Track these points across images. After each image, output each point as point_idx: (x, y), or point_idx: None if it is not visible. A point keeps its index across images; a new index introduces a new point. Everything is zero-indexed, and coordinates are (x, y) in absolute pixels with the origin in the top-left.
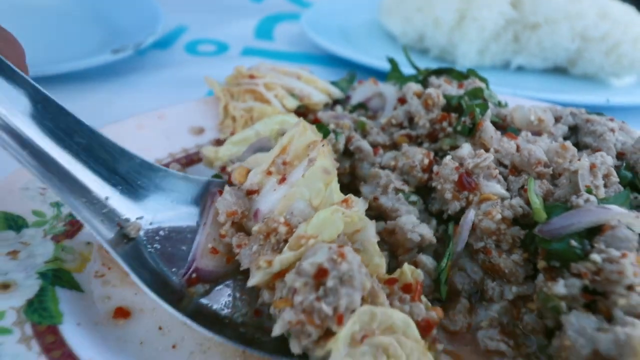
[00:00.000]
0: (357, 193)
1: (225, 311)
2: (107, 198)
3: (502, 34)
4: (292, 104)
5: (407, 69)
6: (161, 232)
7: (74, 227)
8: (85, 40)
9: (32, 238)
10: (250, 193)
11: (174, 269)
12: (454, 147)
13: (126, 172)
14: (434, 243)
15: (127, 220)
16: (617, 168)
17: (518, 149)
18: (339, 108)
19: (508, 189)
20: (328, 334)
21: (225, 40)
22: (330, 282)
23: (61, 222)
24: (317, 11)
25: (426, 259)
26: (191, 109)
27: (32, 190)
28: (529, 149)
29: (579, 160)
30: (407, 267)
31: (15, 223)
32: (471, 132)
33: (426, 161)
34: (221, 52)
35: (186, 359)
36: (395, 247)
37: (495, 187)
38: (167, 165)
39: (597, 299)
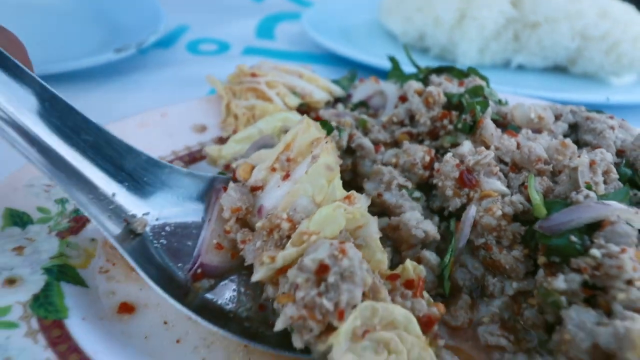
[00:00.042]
0: (359, 190)
1: (230, 306)
2: (114, 194)
3: (502, 32)
4: (294, 102)
5: (408, 68)
6: (167, 228)
7: (78, 223)
8: (88, 39)
9: (37, 234)
10: (254, 189)
11: (179, 264)
12: (455, 145)
13: (132, 168)
14: (437, 239)
15: (134, 216)
16: (616, 165)
17: (518, 146)
18: (340, 106)
19: (508, 186)
20: (330, 328)
21: (226, 40)
22: (331, 278)
23: (66, 219)
24: (317, 11)
25: (430, 255)
26: (194, 107)
27: (36, 187)
28: (529, 146)
29: (579, 157)
30: (409, 263)
31: (20, 219)
32: (472, 130)
33: (427, 158)
34: (222, 51)
35: (190, 353)
36: (399, 243)
37: (495, 184)
38: (170, 162)
39: (596, 293)
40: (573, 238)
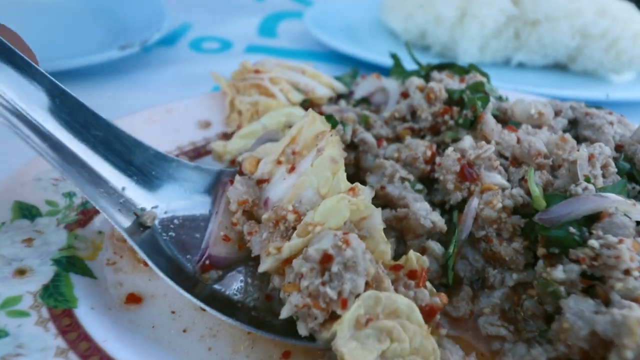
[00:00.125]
0: (362, 184)
1: (238, 296)
2: (123, 188)
3: (502, 30)
4: (297, 97)
5: (409, 65)
6: (175, 221)
7: (85, 216)
8: (92, 37)
9: (46, 227)
10: (260, 182)
11: (188, 256)
12: (456, 140)
13: (141, 163)
14: (444, 231)
15: (143, 209)
16: (615, 159)
17: (518, 141)
18: (342, 102)
19: (509, 180)
20: (333, 317)
21: (229, 38)
22: (334, 268)
23: (73, 212)
24: (319, 9)
25: (434, 245)
26: (198, 103)
27: (45, 181)
28: (529, 141)
29: (578, 151)
30: (412, 253)
31: (29, 212)
32: (472, 125)
33: (429, 153)
34: (225, 49)
35: (197, 342)
36: (404, 233)
37: (496, 178)
38: None
39: (595, 283)
40: (572, 229)
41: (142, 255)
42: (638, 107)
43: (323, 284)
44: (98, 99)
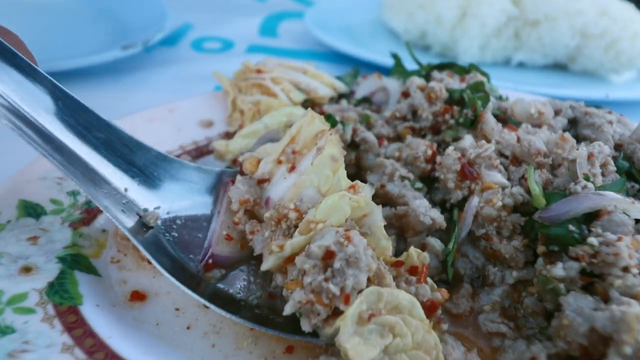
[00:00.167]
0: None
1: (241, 294)
2: (126, 189)
3: (503, 30)
4: (299, 97)
5: (410, 65)
6: (178, 221)
7: (89, 215)
8: (95, 38)
9: (51, 225)
10: (261, 182)
11: (190, 256)
12: (457, 139)
13: (143, 164)
14: (443, 228)
15: (146, 210)
16: (614, 158)
17: (518, 140)
18: (344, 102)
19: (509, 179)
20: (336, 313)
21: (230, 38)
22: (337, 264)
23: (78, 210)
24: (320, 9)
25: (434, 241)
26: (200, 102)
27: (49, 179)
28: (529, 140)
29: (577, 150)
30: (413, 250)
31: (34, 211)
32: (473, 124)
33: (429, 152)
34: (226, 49)
35: (200, 339)
36: (404, 230)
37: (496, 177)
38: (178, 157)
39: (594, 280)
40: (571, 227)
41: (146, 254)
42: (637, 106)
43: (326, 280)
44: (100, 99)
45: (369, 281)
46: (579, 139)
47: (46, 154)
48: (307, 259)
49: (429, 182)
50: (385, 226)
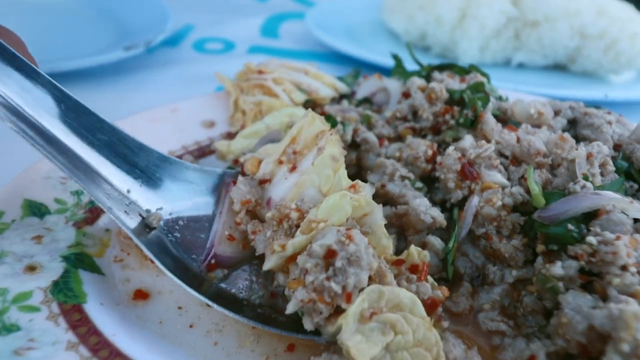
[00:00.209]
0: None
1: (243, 294)
2: (128, 191)
3: (502, 31)
4: (300, 98)
5: (410, 66)
6: (180, 222)
7: (93, 214)
8: (97, 38)
9: (55, 224)
10: (262, 182)
11: (193, 256)
12: (457, 139)
13: (145, 165)
14: (443, 226)
15: (148, 211)
16: (613, 158)
17: (518, 140)
18: (345, 102)
19: (509, 178)
20: (338, 311)
21: (231, 39)
22: (338, 263)
23: (81, 210)
24: (321, 10)
25: (434, 240)
26: (203, 103)
27: (53, 179)
28: (528, 140)
29: (577, 150)
30: (414, 248)
31: (38, 210)
32: (473, 125)
33: (430, 152)
34: (228, 50)
35: (203, 337)
36: (405, 228)
37: (496, 176)
38: (180, 157)
39: (593, 279)
40: (570, 226)
41: (150, 255)
42: (637, 106)
43: (327, 278)
44: (102, 100)
45: (370, 280)
46: (578, 139)
47: (49, 155)
48: (309, 258)
49: (429, 182)
50: (385, 225)
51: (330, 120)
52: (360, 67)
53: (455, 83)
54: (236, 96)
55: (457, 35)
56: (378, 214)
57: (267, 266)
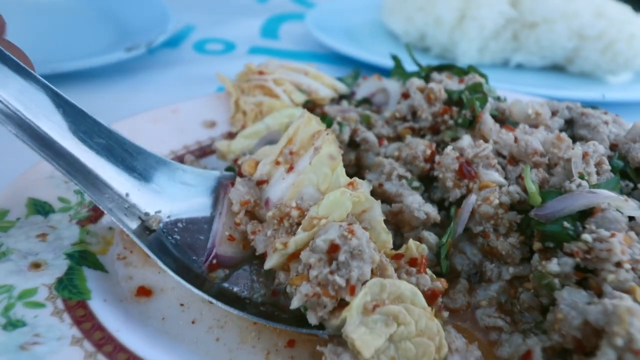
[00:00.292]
0: None
1: (245, 293)
2: (127, 194)
3: (501, 32)
4: (300, 98)
5: (410, 66)
6: (179, 224)
7: (96, 213)
8: (98, 39)
9: (59, 222)
10: (260, 183)
11: (194, 257)
12: (455, 139)
13: (143, 169)
14: (438, 222)
15: (147, 214)
16: (610, 158)
17: (516, 140)
18: (344, 103)
19: (506, 178)
20: (342, 304)
21: (232, 40)
22: (342, 256)
23: (85, 208)
24: (321, 11)
25: (429, 235)
26: (203, 103)
27: (57, 178)
28: (526, 140)
29: (573, 149)
30: (412, 242)
31: (42, 208)
32: (471, 125)
33: (428, 152)
34: (228, 50)
35: (205, 333)
36: (401, 225)
37: (493, 176)
38: (181, 156)
39: (588, 276)
40: (566, 224)
41: (152, 256)
42: (633, 107)
43: (331, 272)
44: (103, 101)
45: (372, 273)
46: (575, 139)
47: (48, 158)
48: (313, 253)
49: (427, 181)
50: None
51: (326, 120)
52: (359, 68)
53: (454, 84)
54: (237, 97)
55: (456, 36)
56: (377, 210)
57: (268, 265)
